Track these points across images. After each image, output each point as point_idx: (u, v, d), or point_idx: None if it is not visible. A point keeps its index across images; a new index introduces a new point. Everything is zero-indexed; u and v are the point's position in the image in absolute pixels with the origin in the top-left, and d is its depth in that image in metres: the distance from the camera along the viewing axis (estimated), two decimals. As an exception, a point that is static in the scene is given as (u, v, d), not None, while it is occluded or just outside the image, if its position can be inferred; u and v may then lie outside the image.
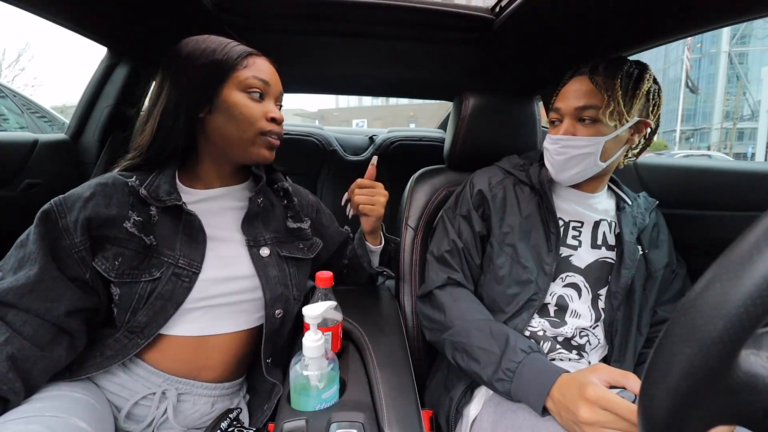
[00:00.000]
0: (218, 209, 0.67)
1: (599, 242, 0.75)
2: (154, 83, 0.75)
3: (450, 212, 0.84)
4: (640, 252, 0.74)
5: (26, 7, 0.70)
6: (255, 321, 0.67)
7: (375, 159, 0.79)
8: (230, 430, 0.59)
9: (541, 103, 1.19)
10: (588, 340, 0.72)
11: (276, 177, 0.75)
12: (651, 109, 0.70)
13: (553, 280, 0.73)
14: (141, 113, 1.08)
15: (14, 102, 1.73)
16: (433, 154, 1.44)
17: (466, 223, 0.79)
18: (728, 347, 0.21)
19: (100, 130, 1.09)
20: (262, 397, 0.68)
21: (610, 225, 0.76)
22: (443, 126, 2.21)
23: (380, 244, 0.85)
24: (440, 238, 0.82)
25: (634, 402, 0.49)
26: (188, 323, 0.60)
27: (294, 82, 1.37)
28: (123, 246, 0.57)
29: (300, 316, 0.62)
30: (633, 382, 0.51)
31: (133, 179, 0.59)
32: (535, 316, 0.72)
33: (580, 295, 0.73)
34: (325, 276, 0.66)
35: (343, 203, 0.81)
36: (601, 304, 0.73)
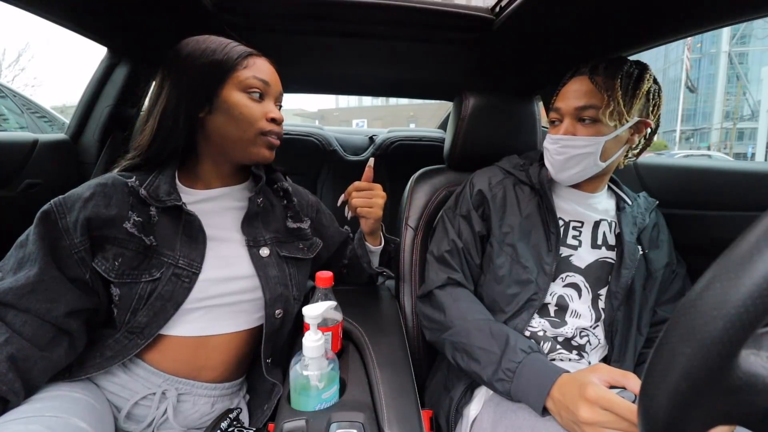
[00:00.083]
0: (218, 209, 0.67)
1: (599, 242, 0.75)
2: (154, 83, 0.75)
3: (450, 212, 0.84)
4: (640, 252, 0.74)
5: (26, 7, 0.70)
6: (255, 321, 0.67)
7: (372, 161, 0.78)
8: (230, 430, 0.59)
9: (541, 103, 1.19)
10: (588, 340, 0.72)
11: (276, 177, 0.75)
12: (651, 109, 0.70)
13: (553, 280, 0.73)
14: (141, 113, 1.08)
15: (14, 102, 1.74)
16: (433, 154, 1.44)
17: (466, 223, 0.79)
18: (728, 347, 0.21)
19: (100, 130, 1.09)
20: (262, 397, 0.68)
21: (610, 225, 0.76)
22: (443, 126, 2.21)
23: (380, 244, 0.85)
24: (440, 238, 0.82)
25: (634, 402, 0.49)
26: (188, 323, 0.60)
27: (294, 82, 1.38)
28: (123, 246, 0.57)
29: (300, 316, 0.62)
30: (633, 382, 0.51)
31: (133, 179, 0.59)
32: (536, 316, 0.72)
33: (580, 295, 0.73)
34: (325, 276, 0.66)
35: (339, 204, 0.81)
36: (602, 304, 0.73)
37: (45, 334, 0.52)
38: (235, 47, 0.63)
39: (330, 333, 0.65)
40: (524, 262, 0.72)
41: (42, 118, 1.82)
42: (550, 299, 0.72)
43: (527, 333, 0.72)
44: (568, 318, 0.72)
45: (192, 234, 0.61)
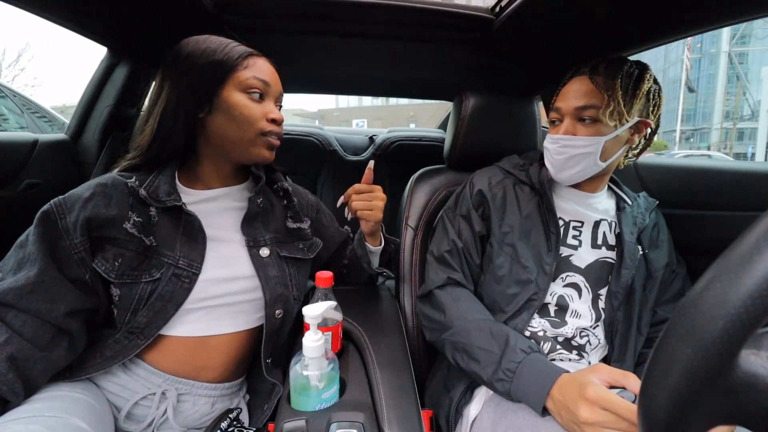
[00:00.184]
0: (218, 209, 0.67)
1: (599, 242, 0.75)
2: (154, 83, 0.75)
3: (450, 212, 0.84)
4: (641, 252, 0.74)
5: (26, 7, 0.70)
6: (255, 321, 0.67)
7: (372, 163, 0.78)
8: (230, 430, 0.59)
9: (541, 103, 1.19)
10: (588, 341, 0.72)
11: (276, 177, 0.75)
12: (651, 109, 0.70)
13: (553, 280, 0.73)
14: (141, 113, 1.08)
15: (14, 102, 1.74)
16: (433, 154, 1.44)
17: (466, 223, 0.79)
18: (728, 347, 0.21)
19: (100, 130, 1.09)
20: (262, 397, 0.68)
21: (610, 225, 0.76)
22: (443, 126, 2.21)
23: (380, 245, 0.85)
24: (440, 238, 0.82)
25: (634, 402, 0.49)
26: (188, 324, 0.60)
27: (294, 82, 1.37)
28: (123, 247, 0.57)
29: (300, 316, 0.62)
30: (633, 382, 0.51)
31: (133, 180, 0.59)
32: (536, 316, 0.72)
33: (580, 295, 0.73)
34: (325, 276, 0.66)
35: (338, 205, 0.81)
36: (602, 304, 0.73)
37: (45, 335, 0.51)
38: (236, 47, 0.63)
39: (330, 333, 0.65)
40: (524, 262, 0.72)
41: (42, 118, 1.82)
42: (550, 299, 0.72)
43: (527, 333, 0.72)
44: (568, 318, 0.72)
45: (192, 234, 0.61)
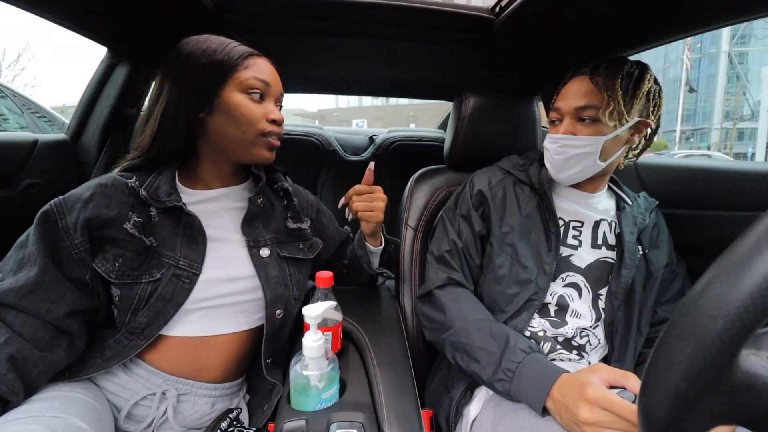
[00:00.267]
0: (218, 210, 0.67)
1: (599, 242, 0.75)
2: (154, 83, 0.75)
3: (450, 212, 0.84)
4: (641, 252, 0.74)
5: (26, 7, 0.70)
6: (255, 321, 0.67)
7: (372, 164, 0.78)
8: (230, 430, 0.59)
9: (541, 103, 1.19)
10: (588, 341, 0.72)
11: (276, 177, 0.75)
12: (651, 109, 0.70)
13: (554, 280, 0.73)
14: (141, 113, 1.08)
15: (14, 102, 1.74)
16: (433, 154, 1.44)
17: (466, 223, 0.79)
18: (728, 347, 0.21)
19: (100, 130, 1.09)
20: (262, 397, 0.68)
21: (610, 225, 0.76)
22: (443, 126, 2.21)
23: (380, 245, 0.85)
24: (440, 238, 0.82)
25: (634, 402, 0.49)
26: (188, 324, 0.60)
27: (294, 82, 1.37)
28: (123, 247, 0.57)
29: (300, 316, 0.62)
30: (633, 382, 0.51)
31: (133, 180, 0.59)
32: (536, 316, 0.72)
33: (580, 295, 0.73)
34: (325, 276, 0.66)
35: (339, 206, 0.81)
36: (602, 304, 0.73)
37: (45, 335, 0.51)
38: (236, 47, 0.63)
39: (330, 333, 0.65)
40: (524, 262, 0.72)
41: (42, 118, 1.82)
42: (551, 299, 0.72)
43: (527, 333, 0.72)
44: (568, 318, 0.72)
45: (192, 234, 0.61)
